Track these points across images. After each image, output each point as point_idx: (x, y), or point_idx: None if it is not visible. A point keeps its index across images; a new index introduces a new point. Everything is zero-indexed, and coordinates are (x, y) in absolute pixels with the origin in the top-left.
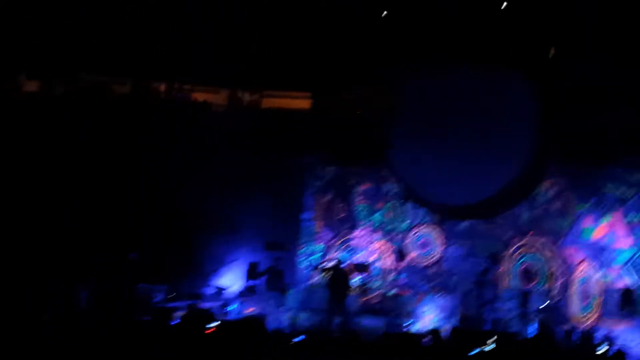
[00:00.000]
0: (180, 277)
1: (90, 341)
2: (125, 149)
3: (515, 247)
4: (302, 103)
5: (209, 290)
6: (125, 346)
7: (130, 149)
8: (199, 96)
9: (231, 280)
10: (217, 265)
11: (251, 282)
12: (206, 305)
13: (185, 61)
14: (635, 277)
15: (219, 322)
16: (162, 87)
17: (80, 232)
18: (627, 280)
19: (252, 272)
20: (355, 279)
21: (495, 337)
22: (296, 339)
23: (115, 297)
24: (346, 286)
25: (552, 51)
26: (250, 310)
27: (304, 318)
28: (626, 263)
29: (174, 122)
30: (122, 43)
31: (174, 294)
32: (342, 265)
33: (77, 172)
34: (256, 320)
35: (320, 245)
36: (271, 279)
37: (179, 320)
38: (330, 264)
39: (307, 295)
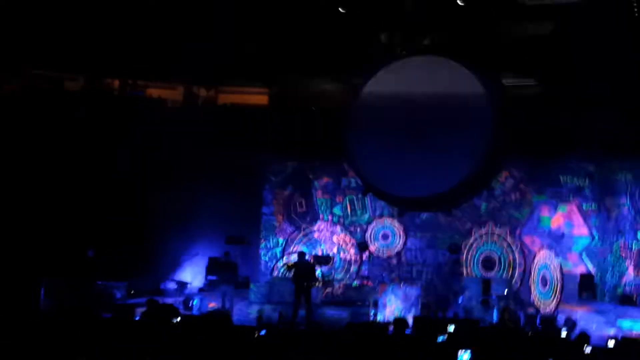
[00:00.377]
0: (141, 273)
1: (50, 339)
2: (79, 145)
3: (475, 237)
4: (259, 98)
5: (171, 286)
6: (87, 343)
7: (84, 145)
8: (154, 92)
9: (192, 275)
10: (177, 260)
11: (211, 277)
12: (168, 300)
13: (140, 57)
14: (592, 263)
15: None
16: (116, 83)
17: (36, 230)
18: (584, 267)
19: (212, 267)
20: (318, 272)
21: (456, 324)
22: (261, 333)
23: (75, 294)
24: (310, 279)
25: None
26: (212, 305)
27: (267, 311)
28: (583, 250)
29: (129, 118)
30: (74, 38)
31: (134, 290)
32: (305, 258)
33: (30, 169)
34: (221, 315)
35: (280, 239)
36: (223, 272)
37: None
38: (294, 258)
39: (269, 288)
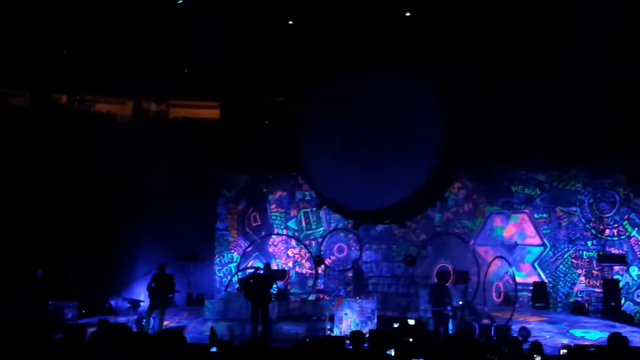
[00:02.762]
0: (92, 292)
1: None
2: (25, 162)
3: (429, 249)
4: (210, 112)
5: (123, 305)
6: None
7: (31, 162)
8: (103, 107)
9: (145, 293)
10: (130, 279)
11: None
12: (120, 319)
13: (88, 72)
14: (545, 273)
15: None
16: (63, 99)
17: None
18: (537, 277)
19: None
20: (274, 286)
21: (413, 335)
22: (212, 350)
23: (24, 315)
24: (267, 294)
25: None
26: (165, 323)
27: (222, 328)
28: (536, 260)
29: (77, 134)
30: (18, 53)
31: (85, 310)
32: (261, 273)
33: None
34: (175, 333)
35: (235, 255)
36: (152, 288)
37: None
38: (249, 273)
39: (224, 305)
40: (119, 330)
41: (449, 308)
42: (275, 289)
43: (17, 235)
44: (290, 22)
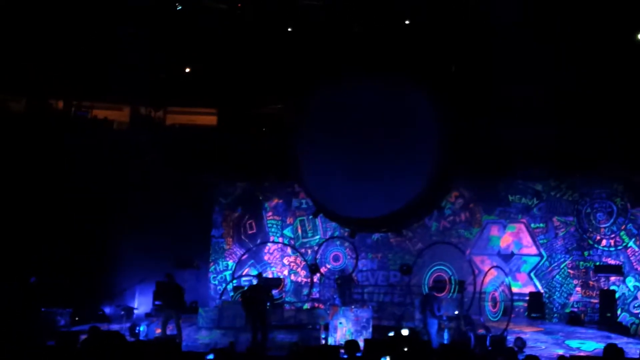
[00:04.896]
0: (86, 299)
1: None
2: (23, 167)
3: (426, 258)
4: (208, 119)
5: (117, 312)
6: None
7: (28, 167)
8: (100, 113)
9: (140, 300)
10: (124, 285)
11: (158, 302)
12: (114, 327)
13: (85, 78)
14: (541, 283)
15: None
16: (60, 104)
17: None
18: (533, 287)
19: (158, 291)
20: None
21: (408, 345)
22: (208, 357)
23: (17, 322)
24: (264, 303)
25: (453, 68)
26: (158, 330)
27: (215, 336)
28: (532, 270)
29: (73, 139)
30: (16, 59)
31: (78, 317)
32: (258, 282)
33: None
34: (171, 341)
35: (230, 262)
36: (165, 296)
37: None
38: (247, 282)
39: (219, 313)
40: (112, 338)
41: (444, 317)
42: (273, 297)
43: (10, 241)
44: (290, 29)
